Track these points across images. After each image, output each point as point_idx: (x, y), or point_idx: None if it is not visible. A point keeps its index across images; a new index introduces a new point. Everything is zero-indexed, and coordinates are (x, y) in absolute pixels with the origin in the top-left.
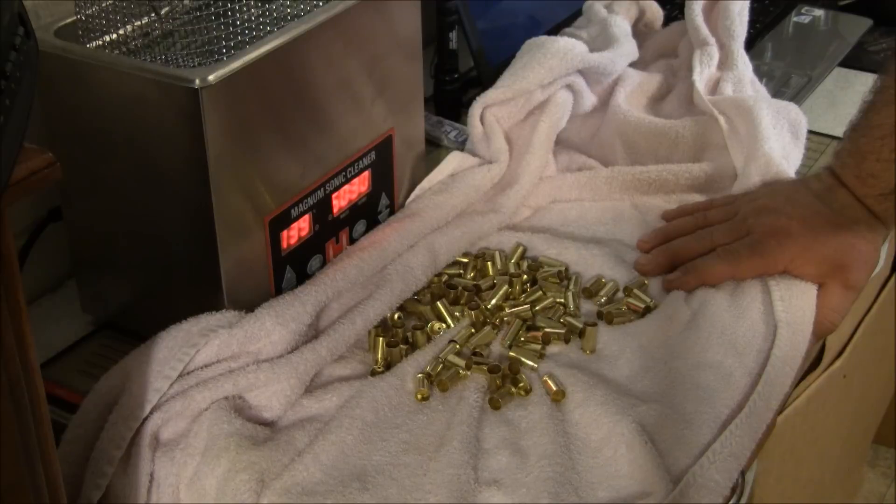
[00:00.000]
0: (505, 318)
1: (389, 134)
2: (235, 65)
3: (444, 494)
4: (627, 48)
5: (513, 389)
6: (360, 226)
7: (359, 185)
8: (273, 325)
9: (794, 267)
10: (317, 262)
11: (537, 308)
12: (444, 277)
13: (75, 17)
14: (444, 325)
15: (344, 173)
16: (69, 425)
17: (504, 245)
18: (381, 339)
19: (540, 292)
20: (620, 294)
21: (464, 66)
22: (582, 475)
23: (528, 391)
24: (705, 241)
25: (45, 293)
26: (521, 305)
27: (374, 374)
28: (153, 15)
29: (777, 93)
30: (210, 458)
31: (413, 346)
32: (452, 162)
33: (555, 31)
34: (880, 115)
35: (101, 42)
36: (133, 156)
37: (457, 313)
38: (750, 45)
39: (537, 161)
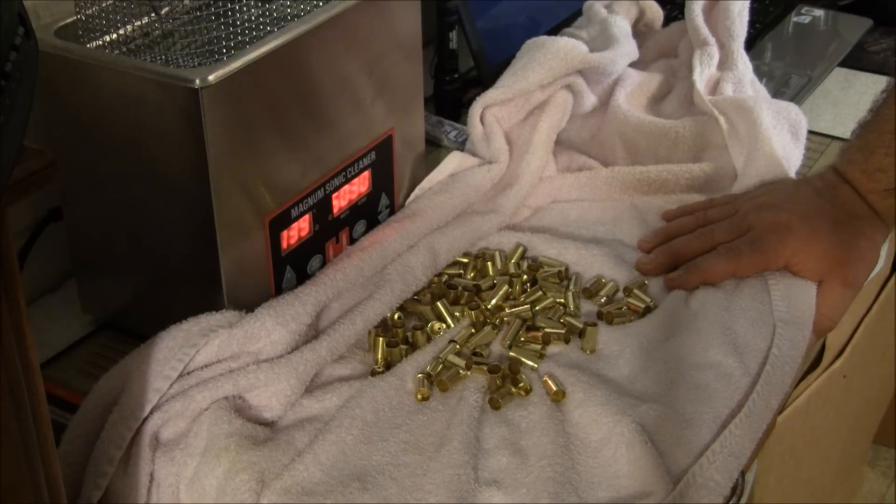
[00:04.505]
0: (505, 318)
1: (389, 134)
2: (235, 65)
3: (444, 494)
4: (627, 48)
5: (513, 389)
6: (360, 226)
7: (359, 185)
8: (273, 325)
9: (794, 263)
10: (317, 262)
11: (537, 308)
12: (444, 277)
13: (75, 17)
14: (444, 325)
15: (344, 173)
16: (69, 425)
17: (504, 245)
18: (381, 339)
19: (540, 292)
20: (620, 294)
21: (464, 66)
22: (582, 475)
23: (528, 391)
24: (706, 240)
25: (45, 293)
26: (521, 305)
27: (374, 374)
28: (153, 15)
29: (777, 93)
30: (210, 458)
31: (413, 346)
32: (452, 162)
33: (555, 31)
34: (890, 109)
35: (101, 42)
36: (133, 156)
37: (457, 313)
38: (750, 45)
39: (537, 161)
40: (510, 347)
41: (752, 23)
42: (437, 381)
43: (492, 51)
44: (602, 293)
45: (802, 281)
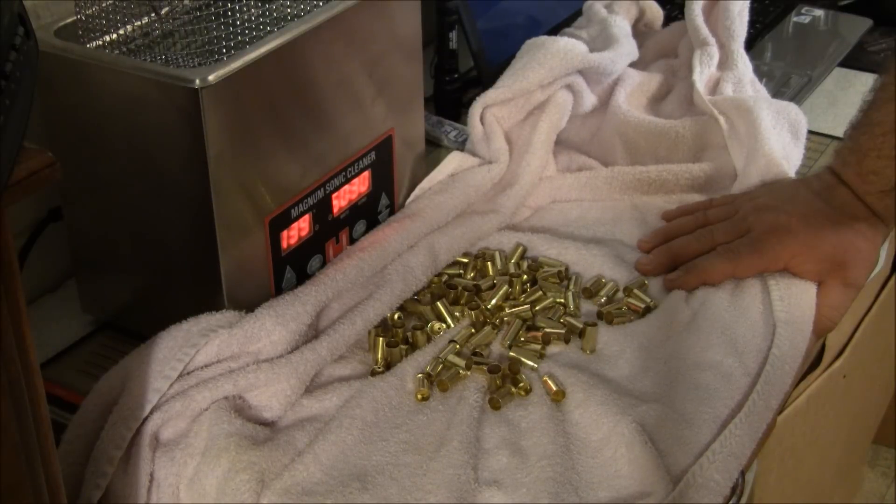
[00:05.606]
0: (505, 318)
1: (389, 134)
2: (235, 65)
3: (444, 494)
4: (627, 48)
5: (513, 389)
6: (360, 226)
7: (359, 185)
8: (273, 325)
9: (794, 264)
10: (317, 262)
11: (537, 308)
12: (444, 277)
13: (75, 17)
14: (444, 325)
15: (344, 173)
16: (69, 425)
17: (504, 245)
18: (381, 339)
19: (540, 292)
20: (620, 294)
21: (464, 66)
22: (582, 475)
23: (528, 391)
24: (706, 240)
25: (45, 293)
26: (521, 305)
27: (374, 374)
28: (153, 15)
29: (777, 93)
30: (210, 458)
31: (413, 346)
32: (452, 162)
33: (555, 31)
34: (880, 112)
35: (101, 42)
36: (133, 156)
37: (457, 313)
38: (750, 45)
39: (537, 161)
40: (510, 347)
41: (752, 23)
42: (437, 381)
43: (492, 51)
44: (602, 293)
45: (802, 281)
